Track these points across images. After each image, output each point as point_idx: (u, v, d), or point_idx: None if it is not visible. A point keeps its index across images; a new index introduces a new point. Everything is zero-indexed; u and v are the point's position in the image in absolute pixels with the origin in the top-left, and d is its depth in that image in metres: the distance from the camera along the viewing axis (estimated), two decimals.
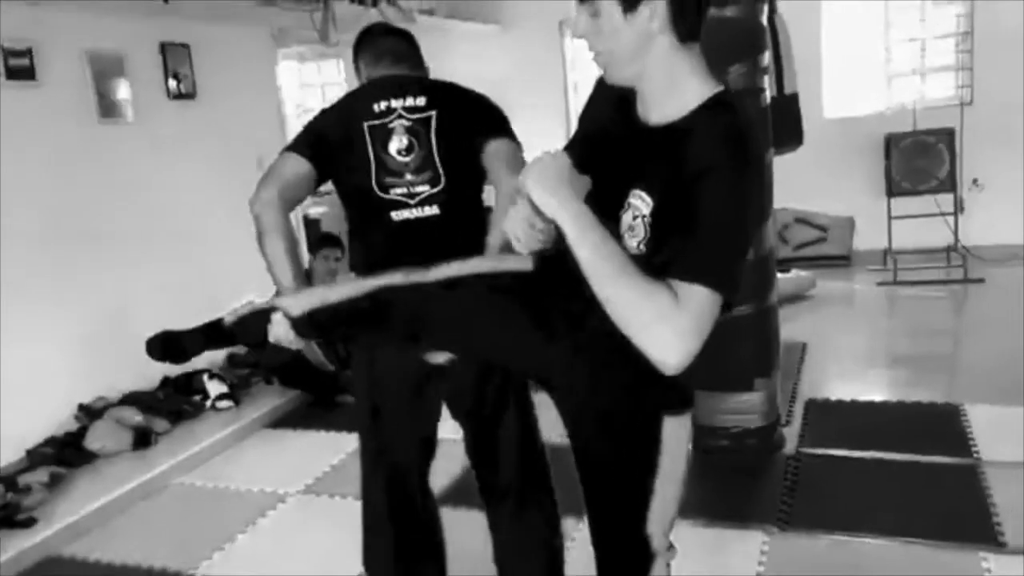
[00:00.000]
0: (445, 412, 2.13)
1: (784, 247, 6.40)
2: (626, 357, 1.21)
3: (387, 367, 1.99)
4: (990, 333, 4.77)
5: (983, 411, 3.55)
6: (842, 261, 6.48)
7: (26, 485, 3.30)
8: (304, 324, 1.54)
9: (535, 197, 1.26)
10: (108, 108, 4.17)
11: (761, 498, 3.00)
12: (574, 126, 1.58)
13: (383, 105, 1.95)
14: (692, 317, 1.17)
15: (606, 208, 1.30)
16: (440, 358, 1.85)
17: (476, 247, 1.88)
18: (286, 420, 4.29)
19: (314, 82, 7.70)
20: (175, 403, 4.15)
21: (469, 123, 1.99)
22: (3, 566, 2.91)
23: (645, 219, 1.28)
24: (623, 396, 1.40)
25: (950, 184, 5.97)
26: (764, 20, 3.25)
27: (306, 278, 1.95)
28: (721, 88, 1.31)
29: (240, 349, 4.58)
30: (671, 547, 1.48)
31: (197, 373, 4.30)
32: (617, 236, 1.28)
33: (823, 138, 5.64)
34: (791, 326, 4.60)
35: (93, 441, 3.70)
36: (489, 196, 2.02)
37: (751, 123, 1.30)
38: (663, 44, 1.27)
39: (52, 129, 3.89)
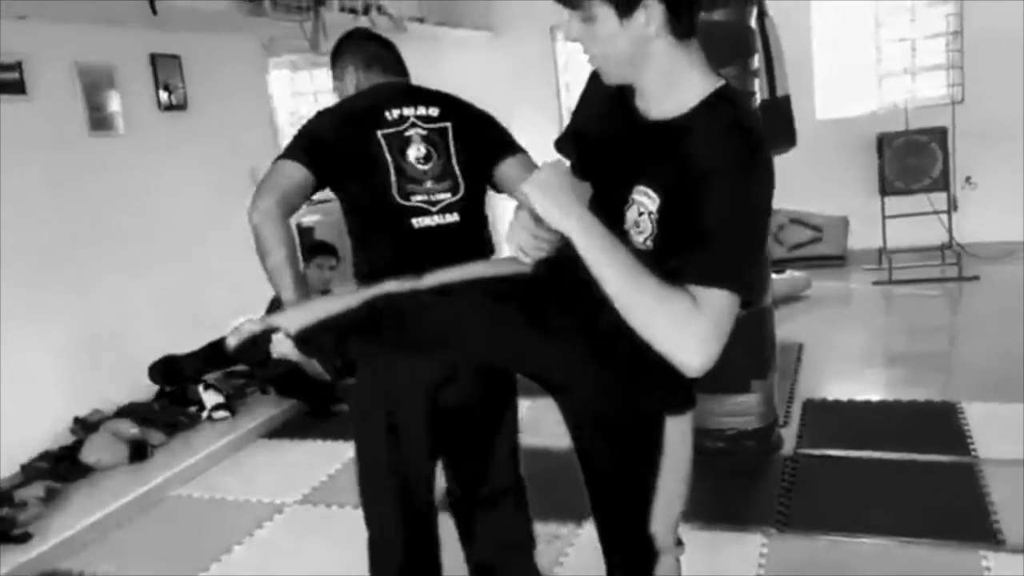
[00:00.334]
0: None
1: (779, 248, 6.40)
2: (631, 359, 1.21)
3: (403, 380, 1.95)
4: (986, 330, 4.78)
5: (980, 408, 3.55)
6: (837, 261, 6.49)
7: (22, 500, 3.28)
8: (305, 341, 1.54)
9: (538, 208, 1.26)
10: (99, 121, 4.15)
11: (759, 500, 2.99)
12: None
13: (396, 113, 1.96)
14: (711, 321, 1.18)
15: (609, 205, 1.29)
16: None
17: (489, 254, 1.97)
18: (283, 430, 4.28)
19: (307, 90, 7.69)
20: (171, 415, 4.13)
21: (482, 137, 2.06)
22: None
23: (652, 216, 1.27)
24: (626, 397, 1.40)
25: (943, 182, 5.99)
26: (753, 23, 3.26)
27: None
28: (722, 83, 1.30)
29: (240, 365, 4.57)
30: (680, 543, 1.48)
31: (193, 384, 4.27)
32: (622, 233, 1.27)
33: (816, 139, 5.64)
34: (787, 327, 4.61)
35: (89, 454, 3.68)
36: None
37: (753, 116, 1.30)
38: (660, 45, 1.26)
39: (44, 143, 3.87)
